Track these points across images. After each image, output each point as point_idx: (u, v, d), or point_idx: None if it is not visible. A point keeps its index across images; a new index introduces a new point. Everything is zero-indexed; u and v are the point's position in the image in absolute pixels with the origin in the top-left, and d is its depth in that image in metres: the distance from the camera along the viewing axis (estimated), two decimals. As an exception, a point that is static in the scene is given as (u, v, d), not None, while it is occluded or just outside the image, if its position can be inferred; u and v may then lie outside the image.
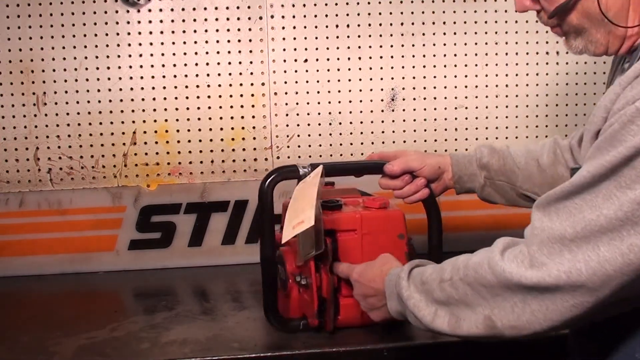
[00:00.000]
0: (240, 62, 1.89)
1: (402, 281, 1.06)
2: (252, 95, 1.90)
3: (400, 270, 1.09)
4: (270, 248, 1.34)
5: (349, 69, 1.92)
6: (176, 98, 1.88)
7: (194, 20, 1.86)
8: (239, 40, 1.88)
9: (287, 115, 1.92)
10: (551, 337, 1.31)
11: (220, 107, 1.90)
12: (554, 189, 0.89)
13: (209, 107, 1.89)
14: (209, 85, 1.89)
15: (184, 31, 1.86)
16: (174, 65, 1.87)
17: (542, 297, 0.86)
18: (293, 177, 1.34)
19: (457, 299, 0.97)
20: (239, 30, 1.88)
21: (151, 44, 1.85)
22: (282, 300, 1.38)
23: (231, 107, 1.90)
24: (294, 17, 1.88)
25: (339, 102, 1.93)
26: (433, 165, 1.40)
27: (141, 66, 1.86)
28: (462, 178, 1.41)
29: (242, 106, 1.90)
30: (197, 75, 1.88)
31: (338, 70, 1.92)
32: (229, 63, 1.88)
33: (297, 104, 1.92)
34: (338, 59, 1.91)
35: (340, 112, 1.93)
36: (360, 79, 1.93)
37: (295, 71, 1.91)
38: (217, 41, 1.87)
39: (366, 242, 1.34)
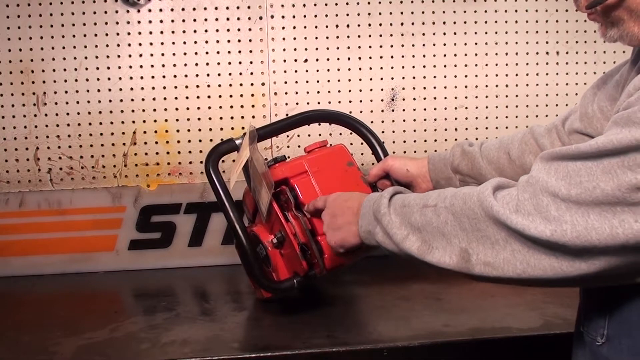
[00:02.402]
0: (240, 62, 1.89)
1: (383, 199, 1.04)
2: (252, 95, 1.90)
3: (383, 192, 1.08)
4: (237, 216, 1.40)
5: (349, 69, 1.92)
6: (176, 98, 1.88)
7: (194, 20, 1.86)
8: (239, 40, 1.88)
9: (287, 115, 1.91)
10: (551, 340, 1.32)
11: (220, 107, 1.90)
12: (561, 147, 0.87)
13: (209, 107, 1.89)
14: (209, 85, 1.89)
15: (184, 31, 1.86)
16: (174, 65, 1.87)
17: (525, 241, 0.85)
18: (232, 149, 1.46)
19: (435, 226, 0.94)
20: (239, 30, 1.88)
21: (151, 44, 1.85)
22: (271, 275, 1.43)
23: (231, 107, 1.90)
24: (294, 17, 1.88)
25: (339, 102, 1.93)
26: (398, 167, 1.43)
27: (141, 66, 1.86)
28: (440, 182, 1.41)
29: (242, 106, 1.90)
30: (197, 75, 1.88)
31: (338, 70, 1.92)
32: (229, 63, 1.88)
33: (297, 104, 1.92)
34: (338, 59, 1.91)
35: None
36: (360, 79, 1.93)
37: (295, 71, 1.91)
38: (217, 41, 1.87)
39: (319, 179, 1.41)
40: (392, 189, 1.08)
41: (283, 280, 1.40)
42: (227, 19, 1.87)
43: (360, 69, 1.92)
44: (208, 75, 1.88)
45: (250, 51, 1.89)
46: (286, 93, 1.91)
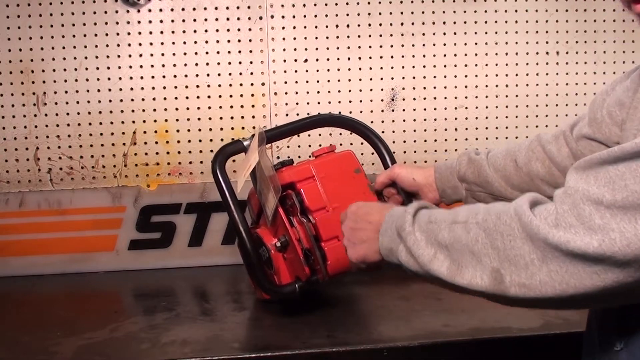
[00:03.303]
0: (240, 62, 1.89)
1: (407, 215, 0.96)
2: (252, 95, 1.90)
3: (407, 207, 1.00)
4: (242, 218, 1.38)
5: (349, 69, 1.92)
6: (176, 98, 1.88)
7: (194, 20, 1.86)
8: (239, 40, 1.88)
9: (287, 115, 1.92)
10: (551, 340, 1.32)
11: (220, 107, 1.90)
12: (597, 153, 0.80)
13: (209, 107, 1.89)
14: (209, 85, 1.89)
15: (184, 31, 1.86)
16: (174, 65, 1.87)
17: (564, 258, 0.77)
18: (239, 150, 1.44)
19: (465, 244, 0.86)
20: (239, 30, 1.88)
21: (151, 44, 1.86)
22: (272, 278, 1.42)
23: (231, 107, 1.90)
24: (294, 17, 1.89)
25: (339, 102, 1.93)
26: (405, 176, 1.42)
27: (141, 66, 1.86)
28: (446, 191, 1.40)
29: (242, 106, 1.90)
30: (197, 75, 1.88)
31: (338, 70, 1.92)
32: (229, 63, 1.89)
33: (297, 104, 1.92)
34: (338, 59, 1.91)
35: (340, 112, 1.93)
36: (360, 79, 1.93)
37: (295, 71, 1.91)
38: (217, 41, 1.87)
39: (326, 184, 1.39)
40: (417, 204, 1.01)
41: (285, 284, 1.40)
42: (227, 19, 1.87)
43: (360, 69, 1.92)
44: (208, 75, 1.88)
45: (250, 51, 1.89)
46: (286, 93, 1.91)
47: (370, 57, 1.92)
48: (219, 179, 1.41)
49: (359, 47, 1.91)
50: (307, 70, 1.91)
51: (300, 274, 1.38)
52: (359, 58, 1.92)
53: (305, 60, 1.91)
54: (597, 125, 1.17)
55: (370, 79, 1.93)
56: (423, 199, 1.42)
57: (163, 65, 1.87)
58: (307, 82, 1.91)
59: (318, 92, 1.92)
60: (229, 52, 1.88)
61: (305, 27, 1.89)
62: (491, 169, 1.34)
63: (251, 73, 1.90)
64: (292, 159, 1.47)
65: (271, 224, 1.41)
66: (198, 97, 1.89)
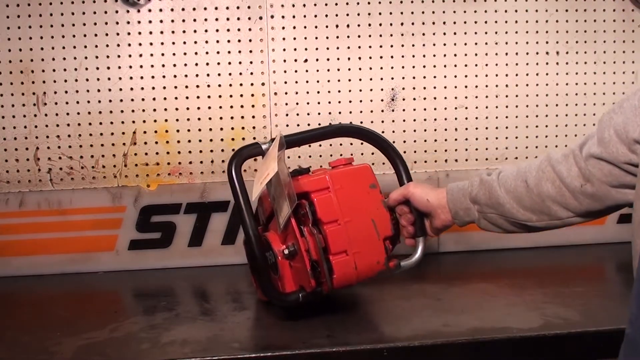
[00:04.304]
0: (240, 62, 1.89)
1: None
2: (252, 95, 1.90)
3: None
4: (253, 224, 1.38)
5: (349, 69, 1.92)
6: (176, 98, 1.88)
7: (194, 20, 1.86)
8: (239, 40, 1.88)
9: (287, 115, 1.92)
10: (551, 340, 1.32)
11: (220, 107, 1.90)
12: None
13: (209, 107, 1.89)
14: (209, 85, 1.89)
15: (184, 31, 1.86)
16: (174, 65, 1.87)
17: None
18: (257, 153, 1.44)
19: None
20: (239, 30, 1.88)
21: (151, 44, 1.85)
22: (276, 283, 1.42)
23: (231, 107, 1.90)
24: (294, 17, 1.88)
25: (339, 102, 1.93)
26: (419, 196, 1.43)
27: (141, 66, 1.86)
28: (459, 213, 1.40)
29: (242, 106, 1.90)
30: (197, 75, 1.88)
31: (338, 70, 1.92)
32: (229, 63, 1.88)
33: (297, 104, 1.92)
34: (338, 59, 1.91)
35: (340, 112, 1.93)
36: (360, 79, 1.93)
37: (295, 71, 1.91)
38: (217, 41, 1.87)
39: (341, 197, 1.38)
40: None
41: (289, 292, 1.40)
42: (227, 19, 1.87)
43: (360, 69, 1.92)
44: (208, 75, 1.88)
45: (250, 51, 1.89)
46: (286, 93, 1.91)
47: (370, 57, 1.92)
48: (233, 181, 1.39)
49: (359, 47, 1.91)
50: (307, 70, 1.91)
51: (305, 284, 1.37)
52: (359, 58, 1.92)
53: (305, 60, 1.91)
54: (605, 144, 1.16)
55: (370, 79, 1.93)
56: (435, 220, 1.44)
57: (163, 65, 1.87)
58: (307, 82, 1.91)
59: (318, 92, 1.92)
60: (229, 52, 1.88)
61: (305, 27, 1.89)
62: (502, 190, 1.33)
63: (251, 73, 1.90)
64: (308, 167, 1.46)
65: (282, 231, 1.40)
66: (198, 97, 1.89)
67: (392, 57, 1.93)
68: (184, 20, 1.86)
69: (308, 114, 1.92)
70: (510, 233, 1.38)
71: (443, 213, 1.42)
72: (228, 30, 1.87)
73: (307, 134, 1.55)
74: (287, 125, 1.91)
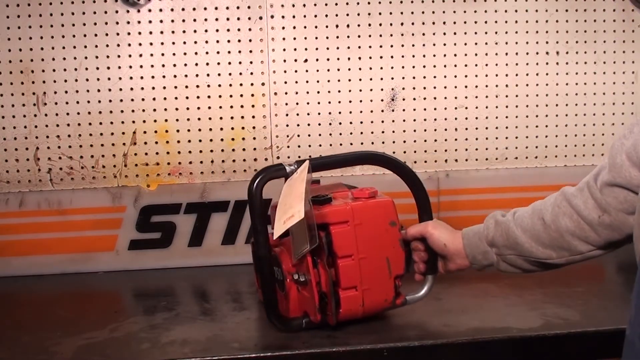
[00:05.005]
0: (240, 62, 1.89)
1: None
2: (252, 95, 1.90)
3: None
4: (265, 248, 1.35)
5: (349, 69, 1.92)
6: (176, 98, 1.88)
7: (194, 20, 1.86)
8: (239, 40, 1.88)
9: (287, 115, 1.92)
10: (551, 340, 1.32)
11: (220, 107, 1.90)
12: None
13: (209, 107, 1.89)
14: (209, 85, 1.89)
15: (184, 31, 1.86)
16: (174, 65, 1.87)
17: None
18: (280, 175, 1.36)
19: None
20: (239, 30, 1.88)
21: (151, 44, 1.85)
22: (281, 301, 1.39)
23: (231, 107, 1.90)
24: (294, 17, 1.88)
25: (339, 102, 1.93)
26: (437, 239, 1.39)
27: (141, 66, 1.86)
28: (477, 257, 1.36)
29: (242, 106, 1.90)
30: (197, 75, 1.88)
31: (338, 70, 1.92)
32: (229, 63, 1.88)
33: (297, 104, 1.92)
34: (338, 59, 1.91)
35: (340, 112, 1.93)
36: (360, 79, 1.93)
37: (295, 71, 1.91)
38: (217, 41, 1.87)
39: (359, 233, 1.34)
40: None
41: (292, 318, 1.38)
42: (227, 19, 1.87)
43: (360, 69, 1.92)
44: (208, 75, 1.88)
45: (250, 51, 1.89)
46: (286, 93, 1.91)
47: (370, 57, 1.92)
48: (254, 202, 1.33)
49: (359, 47, 1.91)
50: (307, 70, 1.91)
51: (311, 313, 1.35)
52: (359, 58, 1.92)
53: (305, 60, 1.91)
54: (617, 169, 1.14)
55: (370, 79, 1.93)
56: (450, 264, 1.41)
57: (163, 65, 1.87)
58: (307, 82, 1.91)
59: (318, 92, 1.92)
60: (229, 52, 1.88)
61: (305, 27, 1.89)
62: (519, 230, 1.30)
63: (251, 73, 1.90)
64: (330, 196, 1.38)
65: (295, 261, 1.36)
66: (198, 97, 1.89)
67: (392, 57, 1.93)
68: (184, 20, 1.86)
69: (308, 114, 1.92)
70: (529, 273, 1.34)
71: (459, 258, 1.39)
72: (228, 30, 1.87)
73: (331, 159, 1.47)
74: (287, 125, 1.91)
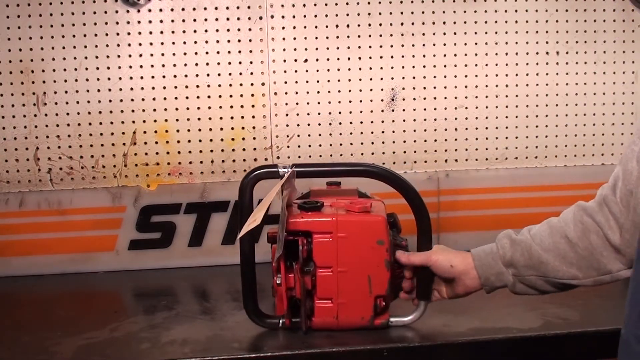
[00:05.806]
0: (240, 62, 1.89)
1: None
2: (252, 95, 1.90)
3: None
4: (249, 245, 1.36)
5: (349, 69, 1.92)
6: (176, 98, 1.88)
7: (194, 20, 1.86)
8: (239, 40, 1.88)
9: (287, 115, 1.92)
10: (551, 340, 1.32)
11: (220, 107, 1.90)
12: None
13: (209, 107, 1.89)
14: (209, 85, 1.89)
15: (184, 31, 1.86)
16: (174, 65, 1.87)
17: None
18: (273, 177, 1.37)
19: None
20: (239, 30, 1.88)
21: (151, 44, 1.85)
22: (276, 299, 1.41)
23: (231, 107, 1.90)
24: (294, 17, 1.88)
25: (339, 102, 1.93)
26: (442, 262, 1.33)
27: (141, 66, 1.86)
28: (490, 278, 1.30)
29: (242, 106, 1.90)
30: (197, 75, 1.88)
31: (338, 70, 1.92)
32: (229, 63, 1.88)
33: (297, 104, 1.92)
34: (338, 59, 1.91)
35: (340, 112, 1.93)
36: (360, 79, 1.93)
37: (295, 71, 1.91)
38: (217, 41, 1.87)
39: (342, 246, 1.32)
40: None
41: (269, 316, 1.39)
42: (227, 19, 1.87)
43: (360, 69, 1.92)
44: (208, 75, 1.88)
45: (250, 51, 1.89)
46: (286, 93, 1.91)
47: (370, 57, 1.92)
48: (243, 199, 1.35)
49: (359, 47, 1.91)
50: (307, 70, 1.91)
51: (286, 315, 1.36)
52: (359, 58, 1.92)
53: (305, 60, 1.91)
54: (630, 176, 1.13)
55: (370, 79, 1.93)
56: (457, 287, 1.34)
57: (163, 65, 1.87)
58: (307, 82, 1.91)
59: (318, 92, 1.92)
60: (229, 52, 1.88)
61: (305, 27, 1.89)
62: (540, 249, 1.24)
63: (251, 73, 1.90)
64: (321, 203, 1.36)
65: (274, 263, 1.35)
66: (198, 97, 1.89)
67: (392, 57, 1.93)
68: (184, 20, 1.86)
69: (308, 114, 1.92)
70: (546, 294, 1.29)
71: (469, 279, 1.31)
72: (228, 30, 1.87)
73: (322, 168, 1.48)
74: (287, 125, 1.91)
